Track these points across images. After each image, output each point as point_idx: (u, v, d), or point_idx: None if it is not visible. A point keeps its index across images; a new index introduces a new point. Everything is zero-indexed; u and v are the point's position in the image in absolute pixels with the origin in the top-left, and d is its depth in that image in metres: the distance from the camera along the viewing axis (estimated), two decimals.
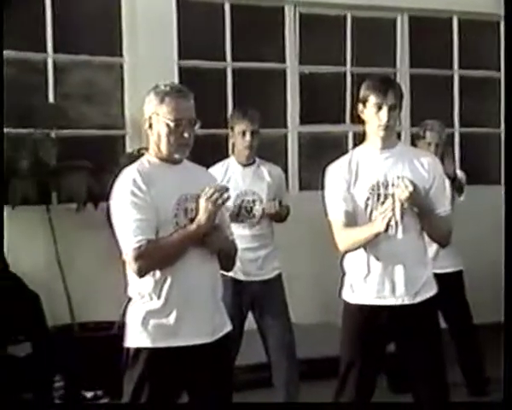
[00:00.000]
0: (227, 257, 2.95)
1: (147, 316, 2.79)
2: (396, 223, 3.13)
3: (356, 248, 3.26)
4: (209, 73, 5.97)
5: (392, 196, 3.14)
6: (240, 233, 3.86)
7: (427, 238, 3.33)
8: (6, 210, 4.88)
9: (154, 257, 2.74)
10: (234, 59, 6.00)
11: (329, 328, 4.68)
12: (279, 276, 4.32)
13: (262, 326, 4.27)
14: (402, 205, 3.12)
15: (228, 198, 2.85)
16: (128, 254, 2.74)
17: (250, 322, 4.29)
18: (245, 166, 4.28)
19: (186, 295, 2.79)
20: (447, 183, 4.18)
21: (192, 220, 2.79)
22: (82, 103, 5.79)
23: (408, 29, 6.49)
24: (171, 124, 2.79)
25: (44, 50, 5.49)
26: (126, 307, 2.90)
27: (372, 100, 3.22)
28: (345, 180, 3.26)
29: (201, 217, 2.78)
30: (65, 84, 5.66)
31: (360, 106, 3.29)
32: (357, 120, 3.40)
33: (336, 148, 6.08)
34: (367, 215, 3.23)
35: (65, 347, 4.91)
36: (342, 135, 6.37)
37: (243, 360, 4.09)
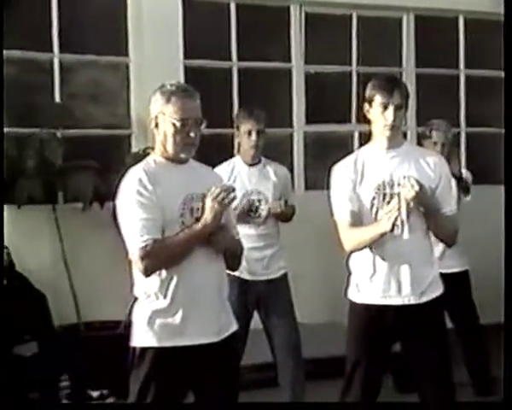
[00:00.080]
0: (233, 257, 2.95)
1: (153, 315, 2.79)
2: (402, 222, 3.12)
3: (361, 248, 3.25)
4: (215, 72, 5.97)
5: (398, 195, 3.14)
6: (246, 233, 3.86)
7: (433, 238, 3.33)
8: (13, 209, 4.90)
9: (160, 256, 2.74)
10: (239, 58, 6.00)
11: (335, 327, 4.68)
12: (285, 275, 4.32)
13: (268, 326, 4.27)
14: (408, 204, 3.11)
15: (234, 198, 2.86)
16: (134, 253, 2.74)
17: (256, 321, 4.29)
18: (251, 165, 4.28)
19: (192, 295, 2.79)
20: (453, 182, 4.18)
21: (198, 220, 2.79)
22: (88, 103, 5.80)
23: (414, 28, 6.47)
24: (178, 123, 2.79)
25: (51, 50, 5.49)
26: (132, 306, 2.90)
27: (378, 99, 3.22)
28: (350, 180, 3.26)
29: (207, 216, 2.78)
30: (71, 83, 5.67)
31: (366, 105, 3.28)
32: (363, 119, 3.40)
33: (342, 147, 6.08)
34: (373, 215, 3.23)
35: (71, 346, 4.92)
36: (348, 134, 6.36)
37: (249, 359, 4.09)
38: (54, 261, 5.15)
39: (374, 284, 3.26)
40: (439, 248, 3.84)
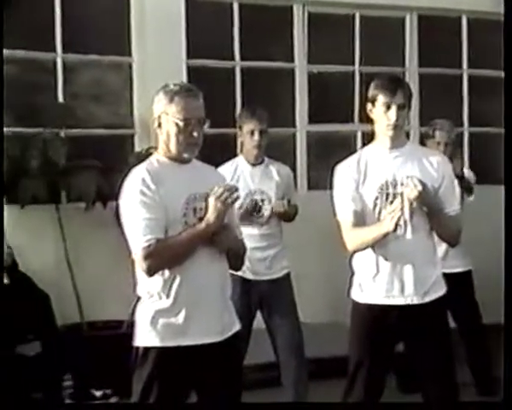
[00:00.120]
0: (236, 256, 2.95)
1: (156, 315, 2.79)
2: (405, 222, 3.12)
3: (364, 248, 3.25)
4: (217, 72, 5.97)
5: (401, 195, 3.14)
6: (248, 232, 3.86)
7: (436, 238, 3.32)
8: (16, 209, 4.90)
9: (163, 256, 2.74)
10: (242, 58, 6.00)
11: (338, 327, 4.67)
12: (288, 275, 4.32)
13: (270, 326, 4.27)
14: (411, 204, 3.11)
15: (237, 198, 2.86)
16: (137, 253, 2.74)
17: (258, 321, 4.29)
18: (254, 165, 4.28)
19: (195, 295, 2.79)
20: (456, 182, 4.17)
21: (201, 219, 2.79)
22: (91, 103, 5.81)
23: (417, 28, 6.47)
24: (181, 123, 2.79)
25: (53, 50, 5.50)
26: (135, 306, 2.90)
27: (381, 99, 3.22)
28: (353, 180, 3.26)
29: (210, 216, 2.78)
30: (74, 83, 5.67)
31: (369, 105, 3.28)
32: (366, 119, 3.40)
33: (345, 147, 6.07)
34: (375, 215, 3.23)
35: (74, 346, 4.92)
36: (351, 134, 6.36)
37: (252, 359, 4.08)
38: (57, 261, 5.15)
39: (377, 284, 3.26)
40: (442, 248, 3.83)
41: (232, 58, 5.99)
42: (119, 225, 2.86)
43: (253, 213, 4.19)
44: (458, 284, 4.42)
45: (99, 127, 5.70)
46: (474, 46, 6.67)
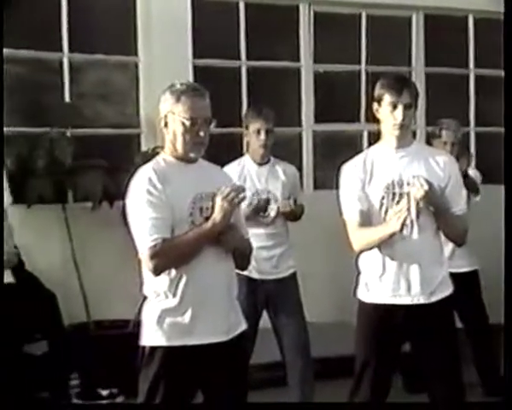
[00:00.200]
0: (242, 256, 2.95)
1: (162, 314, 2.80)
2: (411, 222, 3.12)
3: (370, 248, 3.25)
4: (224, 71, 5.98)
5: (408, 195, 3.13)
6: (255, 232, 3.85)
7: (443, 237, 3.32)
8: (22, 209, 4.91)
9: (170, 256, 2.75)
10: (248, 58, 6.00)
11: (344, 327, 4.66)
12: (294, 275, 4.32)
13: (276, 325, 4.27)
14: (417, 204, 3.11)
15: (244, 198, 2.86)
16: (144, 252, 2.75)
17: (264, 321, 4.30)
18: (260, 164, 4.28)
19: (201, 294, 2.79)
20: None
21: (207, 219, 2.80)
22: (97, 102, 5.81)
23: (423, 27, 6.46)
24: (187, 123, 2.79)
25: (60, 50, 5.50)
26: (142, 305, 2.91)
27: (387, 99, 3.21)
28: (359, 179, 3.26)
29: (217, 215, 2.78)
30: (80, 83, 5.68)
31: (375, 105, 3.28)
32: (372, 118, 3.40)
33: (351, 147, 6.07)
34: (382, 214, 3.23)
35: (81, 345, 4.93)
36: (357, 134, 6.35)
37: (258, 358, 4.09)
38: (63, 261, 5.16)
39: (383, 284, 3.25)
40: (448, 247, 3.83)
41: (238, 58, 5.99)
42: (126, 224, 2.87)
43: (261, 211, 4.18)
44: (465, 283, 4.42)
45: (105, 127, 5.70)
46: (481, 45, 6.65)
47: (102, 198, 5.07)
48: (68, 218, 5.12)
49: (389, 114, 3.22)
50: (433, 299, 3.24)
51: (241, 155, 4.54)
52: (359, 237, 3.26)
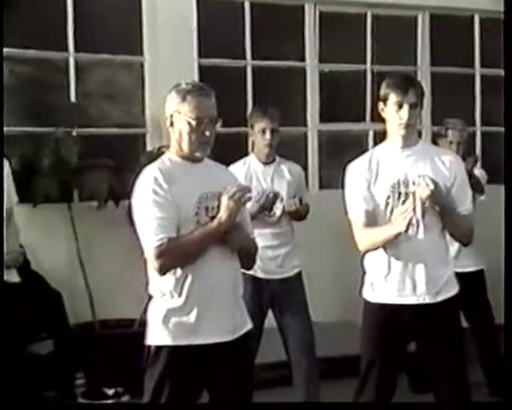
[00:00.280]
0: (247, 255, 2.95)
1: (168, 314, 2.80)
2: (417, 222, 3.11)
3: (376, 248, 3.25)
4: (229, 71, 5.98)
5: (413, 194, 3.13)
6: (260, 231, 3.85)
7: (448, 237, 3.31)
8: (28, 208, 4.92)
9: (176, 255, 2.75)
10: (254, 57, 6.00)
11: (350, 327, 4.66)
12: (299, 274, 4.32)
13: (282, 325, 4.27)
14: (423, 204, 3.10)
15: (250, 198, 2.86)
16: (149, 252, 2.75)
17: (270, 320, 4.30)
18: (265, 164, 4.28)
19: (207, 293, 2.79)
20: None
21: (213, 218, 2.80)
22: (103, 102, 5.82)
23: (429, 27, 6.45)
24: (193, 122, 2.80)
25: (66, 49, 5.51)
26: (147, 304, 2.91)
27: (393, 98, 3.21)
28: (365, 179, 3.26)
29: (222, 215, 2.78)
30: (86, 82, 5.68)
31: (381, 104, 3.28)
32: (378, 118, 3.39)
33: (356, 146, 6.06)
34: (387, 214, 3.22)
35: (86, 344, 4.94)
36: (362, 133, 6.35)
37: (263, 358, 4.09)
38: (69, 260, 5.17)
39: (389, 284, 3.25)
40: (454, 247, 3.82)
41: (244, 57, 5.99)
42: (132, 223, 2.87)
43: (268, 206, 4.18)
44: (470, 283, 4.41)
45: (111, 126, 5.71)
46: (486, 45, 6.64)
47: (108, 198, 5.07)
48: (74, 217, 5.13)
49: (395, 114, 3.21)
50: (439, 299, 3.24)
51: (247, 154, 4.55)
52: (365, 236, 3.25)
